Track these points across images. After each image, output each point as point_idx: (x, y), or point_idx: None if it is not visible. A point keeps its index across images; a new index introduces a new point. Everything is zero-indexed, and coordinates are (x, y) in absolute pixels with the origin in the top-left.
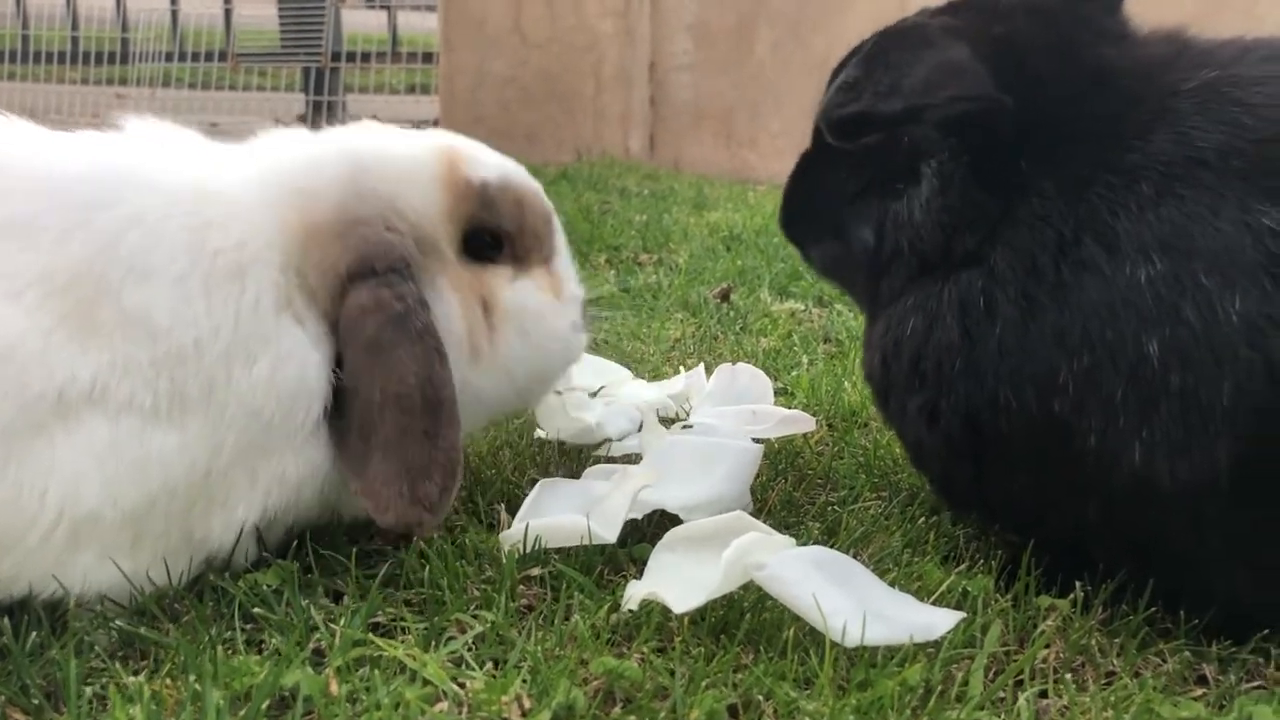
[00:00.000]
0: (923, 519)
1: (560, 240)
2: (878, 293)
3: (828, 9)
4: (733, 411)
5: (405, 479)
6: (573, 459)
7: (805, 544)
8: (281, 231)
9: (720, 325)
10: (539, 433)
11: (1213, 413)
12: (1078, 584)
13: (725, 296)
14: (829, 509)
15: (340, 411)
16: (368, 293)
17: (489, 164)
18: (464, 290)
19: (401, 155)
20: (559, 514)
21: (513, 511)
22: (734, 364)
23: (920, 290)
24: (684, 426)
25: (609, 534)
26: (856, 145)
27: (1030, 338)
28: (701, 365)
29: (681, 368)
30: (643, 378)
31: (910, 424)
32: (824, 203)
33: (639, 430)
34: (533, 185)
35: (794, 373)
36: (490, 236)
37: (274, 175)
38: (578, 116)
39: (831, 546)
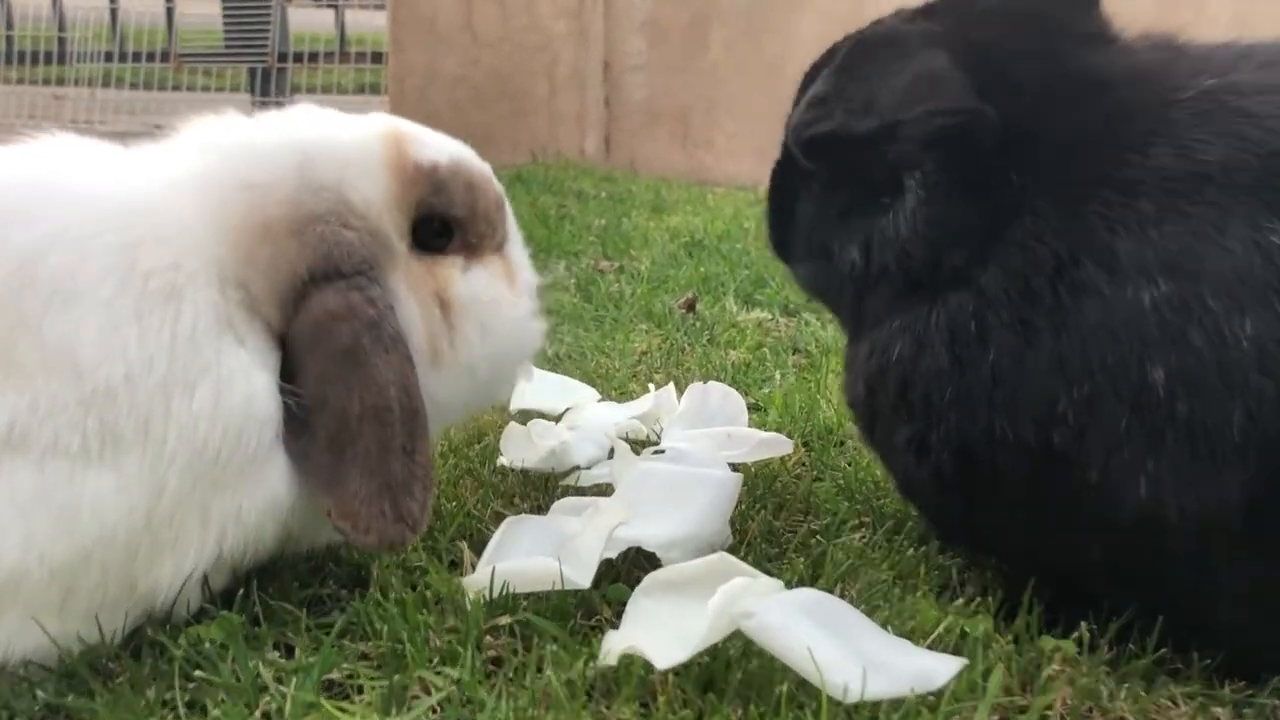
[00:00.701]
0: (911, 550)
1: (512, 226)
2: (862, 313)
3: (781, 8)
4: (706, 434)
5: (387, 496)
6: (539, 489)
7: (790, 581)
8: (220, 238)
9: (687, 337)
10: (501, 460)
11: (1222, 443)
12: (1083, 624)
13: (691, 307)
14: (812, 540)
15: (294, 427)
16: (337, 297)
17: (437, 146)
18: (419, 288)
19: (347, 141)
20: (527, 555)
21: (476, 548)
22: (705, 382)
23: (906, 312)
24: (655, 451)
25: (582, 579)
26: (830, 164)
27: (1026, 365)
28: (671, 384)
29: (651, 384)
30: (609, 395)
31: (898, 456)
32: (809, 221)
33: (609, 456)
34: (483, 168)
35: (765, 388)
36: (440, 224)
37: (212, 172)
38: (531, 117)
39: (817, 582)
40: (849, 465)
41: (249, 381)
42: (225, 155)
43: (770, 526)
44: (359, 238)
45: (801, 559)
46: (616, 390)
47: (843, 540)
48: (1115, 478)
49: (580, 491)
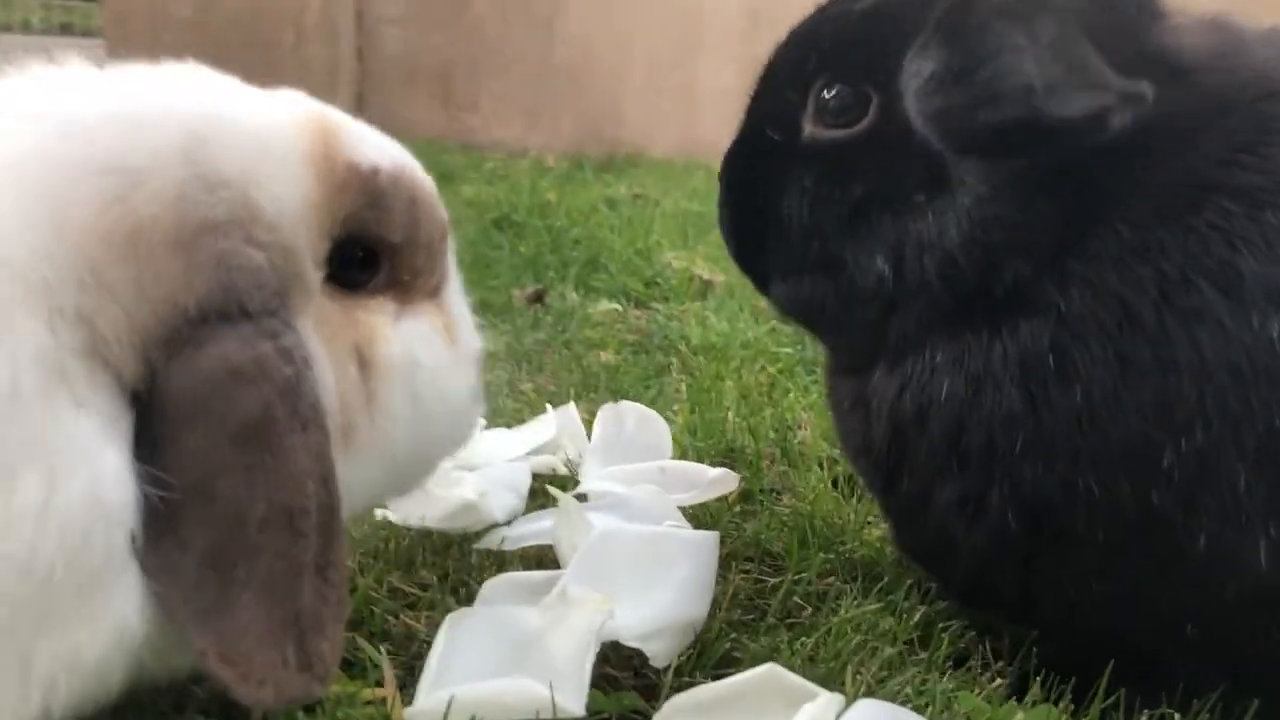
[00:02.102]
0: (917, 612)
1: (452, 265)
2: (883, 339)
3: None
4: (636, 471)
5: (292, 635)
6: (441, 553)
7: (791, 663)
8: (54, 249)
9: (542, 336)
10: (386, 515)
11: None
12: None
13: (539, 298)
14: (791, 603)
15: (153, 527)
16: (241, 347)
17: (377, 144)
18: (334, 336)
19: (256, 122)
20: (486, 668)
21: (382, 644)
22: (616, 403)
23: (954, 340)
24: (576, 495)
25: (575, 705)
26: (853, 148)
27: (1123, 409)
28: (572, 404)
29: (549, 405)
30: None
31: (937, 517)
32: (803, 225)
33: (530, 507)
34: (429, 182)
35: (650, 394)
36: (364, 250)
37: (46, 149)
38: (276, 70)
39: (817, 661)
40: (789, 497)
41: (93, 464)
42: (69, 125)
43: (737, 587)
44: (269, 260)
45: (800, 636)
46: (489, 408)
47: (826, 602)
48: (1228, 546)
49: (501, 560)
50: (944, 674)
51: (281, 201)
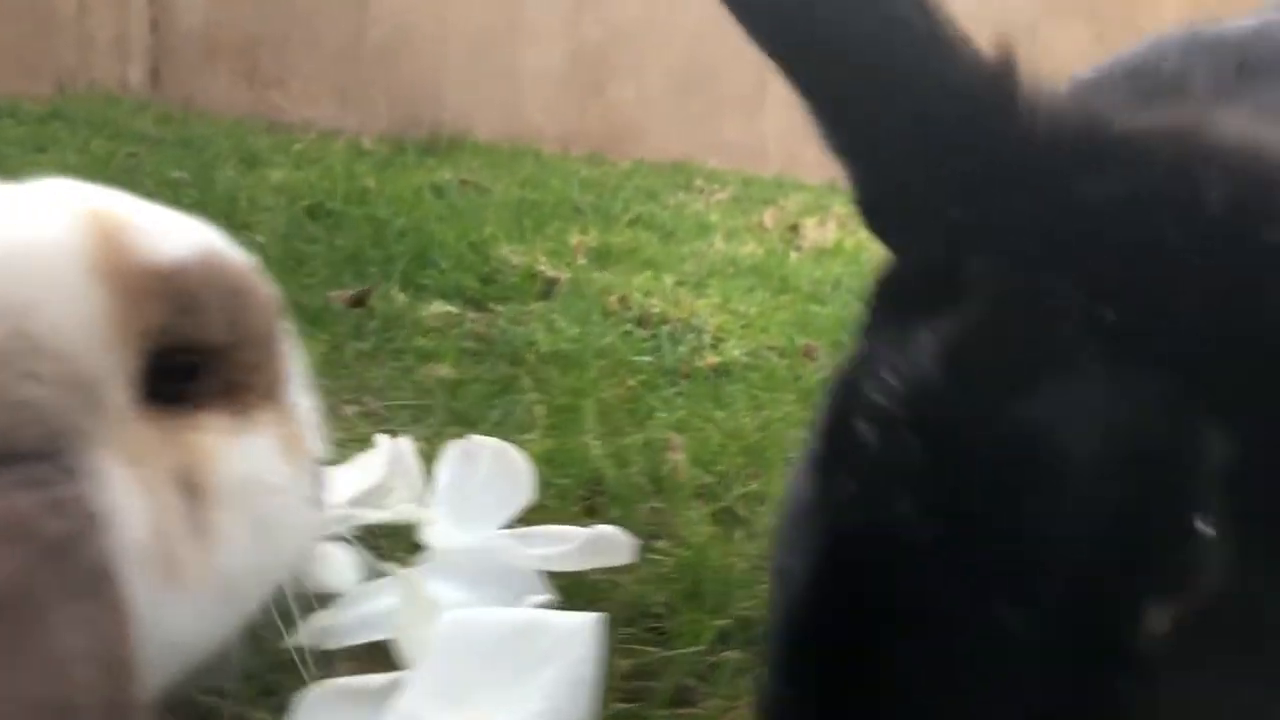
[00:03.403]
0: None
1: (289, 351)
2: None
3: None
4: (490, 520)
5: None
6: (246, 644)
7: None
8: None
9: (371, 346)
10: None
11: None
12: None
13: (361, 301)
14: (681, 684)
15: None
16: None
17: (175, 234)
18: (147, 463)
19: (22, 239)
20: None
21: None
22: (465, 439)
23: None
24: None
25: None
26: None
27: None
28: (404, 438)
29: (376, 433)
30: None
31: None
32: None
33: (367, 576)
34: (246, 261)
35: (495, 417)
36: (183, 359)
37: None
38: (56, 39)
39: None
40: (662, 541)
41: None
42: None
43: (614, 667)
44: (51, 396)
45: None
46: None
47: (728, 679)
48: None
49: (330, 658)
50: None
51: (66, 328)
